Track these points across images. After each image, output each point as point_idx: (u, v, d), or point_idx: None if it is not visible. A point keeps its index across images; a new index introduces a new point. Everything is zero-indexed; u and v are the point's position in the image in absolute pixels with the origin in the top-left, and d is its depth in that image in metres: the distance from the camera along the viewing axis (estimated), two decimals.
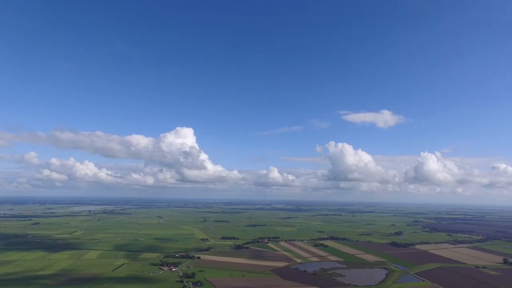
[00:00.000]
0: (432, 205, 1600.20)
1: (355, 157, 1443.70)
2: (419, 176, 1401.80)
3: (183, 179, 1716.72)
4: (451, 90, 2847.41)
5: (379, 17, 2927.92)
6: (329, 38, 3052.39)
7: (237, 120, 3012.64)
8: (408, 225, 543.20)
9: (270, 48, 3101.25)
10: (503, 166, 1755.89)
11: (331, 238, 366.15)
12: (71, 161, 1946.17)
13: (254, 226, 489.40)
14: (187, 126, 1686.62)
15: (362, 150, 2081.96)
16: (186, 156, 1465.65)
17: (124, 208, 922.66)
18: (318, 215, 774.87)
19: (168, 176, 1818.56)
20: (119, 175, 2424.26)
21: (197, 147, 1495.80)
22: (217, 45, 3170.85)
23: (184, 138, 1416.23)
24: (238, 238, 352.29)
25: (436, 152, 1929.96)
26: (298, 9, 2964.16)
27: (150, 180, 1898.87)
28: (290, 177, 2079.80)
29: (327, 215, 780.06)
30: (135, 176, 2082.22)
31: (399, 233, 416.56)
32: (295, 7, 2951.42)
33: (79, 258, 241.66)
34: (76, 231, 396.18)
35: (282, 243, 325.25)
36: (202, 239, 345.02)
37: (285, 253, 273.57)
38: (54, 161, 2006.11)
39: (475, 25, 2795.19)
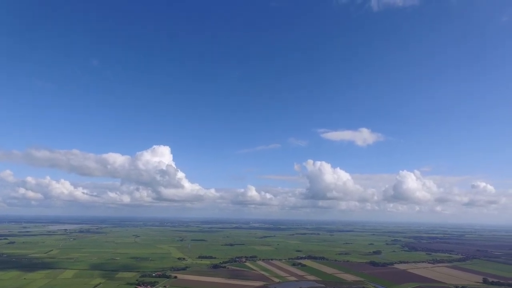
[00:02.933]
0: (411, 224, 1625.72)
1: (334, 175, 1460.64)
2: (398, 195, 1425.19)
3: (160, 198, 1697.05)
4: (430, 108, 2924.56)
5: (357, 36, 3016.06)
6: (307, 56, 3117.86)
7: (214, 138, 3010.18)
8: (387, 244, 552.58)
9: (248, 66, 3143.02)
10: (482, 184, 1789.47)
11: (309, 257, 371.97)
12: (47, 179, 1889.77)
13: (232, 245, 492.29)
14: (164, 144, 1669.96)
15: (341, 168, 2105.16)
16: (163, 174, 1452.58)
17: (100, 227, 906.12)
18: (296, 234, 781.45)
19: (144, 194, 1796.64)
20: (95, 193, 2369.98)
21: (174, 165, 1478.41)
22: (193, 63, 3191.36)
23: (161, 156, 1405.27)
24: (215, 257, 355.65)
25: (415, 171, 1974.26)
26: (276, 28, 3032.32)
27: (126, 199, 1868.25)
28: (268, 195, 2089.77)
29: (305, 234, 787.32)
30: (112, 194, 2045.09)
31: (378, 252, 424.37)
32: (274, 26, 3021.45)
33: (55, 277, 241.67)
34: (52, 250, 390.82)
35: (260, 262, 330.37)
36: (179, 258, 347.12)
37: (262, 272, 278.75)
38: (30, 179, 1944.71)
39: (453, 43, 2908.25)
